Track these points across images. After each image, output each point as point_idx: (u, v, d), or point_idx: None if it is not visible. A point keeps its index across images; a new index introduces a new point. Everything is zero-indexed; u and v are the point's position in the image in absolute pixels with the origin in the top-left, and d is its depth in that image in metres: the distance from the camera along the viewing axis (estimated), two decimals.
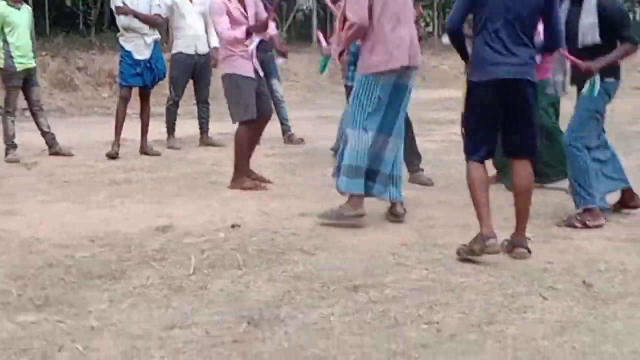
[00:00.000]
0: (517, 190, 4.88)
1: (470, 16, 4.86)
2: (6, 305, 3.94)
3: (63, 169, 7.97)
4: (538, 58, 4.92)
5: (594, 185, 5.53)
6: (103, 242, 5.12)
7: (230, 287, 4.26)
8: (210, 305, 3.97)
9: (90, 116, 13.82)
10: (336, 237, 5.24)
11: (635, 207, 5.76)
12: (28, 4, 10.18)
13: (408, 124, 6.70)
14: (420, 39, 6.10)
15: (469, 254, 4.70)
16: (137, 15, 8.75)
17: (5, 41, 8.45)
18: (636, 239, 5.14)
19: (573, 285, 4.24)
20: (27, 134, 9.27)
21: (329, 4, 7.39)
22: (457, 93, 4.95)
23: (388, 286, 4.23)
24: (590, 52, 5.44)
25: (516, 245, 4.80)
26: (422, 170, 7.30)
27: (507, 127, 4.82)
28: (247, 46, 6.80)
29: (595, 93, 5.44)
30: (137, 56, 8.83)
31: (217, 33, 7.08)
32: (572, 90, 5.88)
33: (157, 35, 9.05)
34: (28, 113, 9.42)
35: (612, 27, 5.43)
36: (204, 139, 9.80)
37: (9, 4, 8.51)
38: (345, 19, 5.57)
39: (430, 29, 26.83)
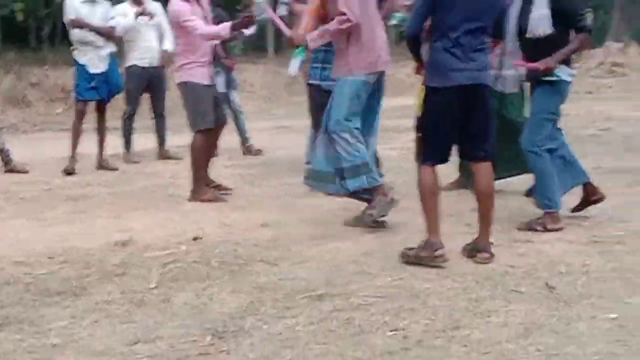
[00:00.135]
0: (481, 194, 4.91)
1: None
2: None
3: (18, 186, 7.84)
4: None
5: (555, 189, 5.57)
6: (62, 258, 5.03)
7: (193, 299, 4.22)
8: (174, 318, 3.94)
9: (45, 132, 13.67)
10: (297, 247, 5.22)
11: (598, 201, 5.81)
12: None
13: None
14: None
15: (416, 260, 4.72)
16: (91, 28, 8.64)
17: None
18: (597, 241, 5.19)
19: (536, 288, 4.27)
20: None
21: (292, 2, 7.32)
22: (415, 101, 4.94)
23: (352, 294, 4.22)
24: (544, 44, 5.46)
25: (480, 250, 4.82)
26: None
27: (466, 132, 4.85)
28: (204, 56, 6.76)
29: (568, 78, 5.51)
30: (92, 70, 8.72)
31: (198, 33, 6.65)
32: None
33: (112, 48, 8.94)
34: None
35: (566, 17, 5.45)
36: (162, 152, 9.72)
37: None
38: (322, 15, 5.61)
39: None
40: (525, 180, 6.35)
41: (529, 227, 5.54)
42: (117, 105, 10.41)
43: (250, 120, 10.44)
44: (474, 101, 4.78)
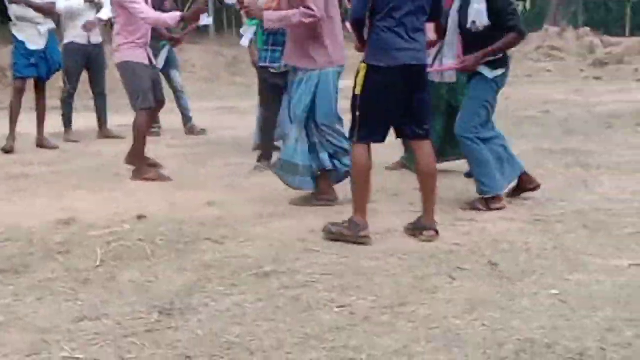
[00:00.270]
0: (423, 173, 4.95)
1: None
2: None
3: None
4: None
5: (494, 173, 5.63)
6: (3, 236, 4.95)
7: (139, 277, 4.19)
8: (120, 296, 3.91)
9: None
10: (244, 225, 5.21)
11: (534, 189, 5.91)
12: None
13: None
14: None
15: (338, 237, 4.76)
16: (30, 4, 8.45)
17: None
18: (538, 220, 5.28)
19: (480, 266, 4.34)
20: None
21: None
22: (353, 80, 4.93)
23: (299, 272, 4.24)
24: (483, 38, 5.52)
25: (426, 228, 4.87)
26: None
27: (408, 112, 4.89)
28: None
29: (490, 76, 5.58)
30: (31, 46, 8.55)
31: (142, 17, 6.60)
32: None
33: (51, 25, 8.76)
34: None
35: (497, 14, 5.52)
36: (103, 132, 9.59)
37: None
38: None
39: None
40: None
41: (473, 206, 5.61)
42: (55, 84, 10.24)
43: (192, 101, 10.35)
44: (417, 80, 4.83)
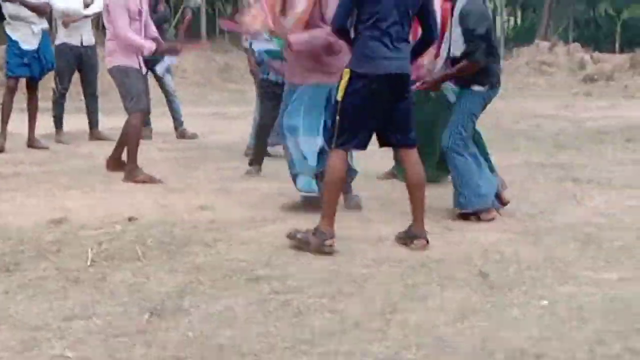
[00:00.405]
0: (413, 181, 4.96)
1: None
2: None
3: None
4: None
5: (482, 184, 5.66)
6: None
7: (130, 278, 4.19)
8: (111, 296, 3.90)
9: None
10: (235, 230, 5.21)
11: (505, 204, 5.91)
12: None
13: None
14: None
15: (302, 245, 4.72)
16: (24, 3, 8.44)
17: None
18: (528, 232, 5.30)
19: (470, 275, 4.35)
20: None
21: None
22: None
23: (290, 277, 4.24)
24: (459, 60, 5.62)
25: (416, 236, 4.88)
26: None
27: (392, 120, 4.90)
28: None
29: (452, 99, 5.69)
30: (25, 46, 8.56)
31: (116, 32, 6.67)
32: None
33: (45, 25, 8.78)
34: None
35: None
36: (94, 134, 9.59)
37: None
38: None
39: None
40: None
41: (463, 216, 5.63)
42: (47, 84, 10.23)
43: (184, 106, 10.36)
44: (401, 89, 4.85)
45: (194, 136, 9.84)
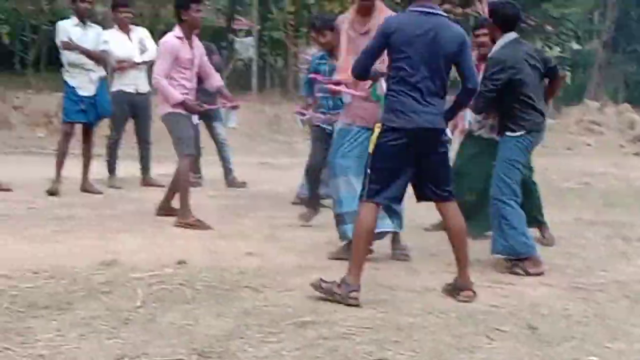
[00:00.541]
0: (453, 233, 4.96)
1: None
2: None
3: (3, 204, 7.80)
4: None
5: (528, 234, 5.68)
6: (47, 274, 5.03)
7: (179, 320, 4.23)
8: (160, 337, 3.95)
9: (26, 155, 13.58)
10: (283, 275, 5.25)
11: None
12: None
13: None
14: None
15: (327, 294, 4.71)
16: (83, 51, 8.67)
17: None
18: (578, 288, 5.26)
19: (518, 328, 4.32)
20: None
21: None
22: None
23: (337, 323, 4.26)
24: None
25: (463, 288, 4.87)
26: None
27: (426, 174, 4.90)
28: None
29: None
30: (82, 92, 8.74)
31: (153, 76, 6.98)
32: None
33: (102, 72, 8.97)
34: None
35: None
36: (146, 179, 9.73)
37: None
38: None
39: None
40: None
41: (511, 270, 5.61)
42: (101, 131, 10.42)
43: (234, 156, 10.48)
44: (433, 143, 4.85)
45: (243, 185, 9.93)
